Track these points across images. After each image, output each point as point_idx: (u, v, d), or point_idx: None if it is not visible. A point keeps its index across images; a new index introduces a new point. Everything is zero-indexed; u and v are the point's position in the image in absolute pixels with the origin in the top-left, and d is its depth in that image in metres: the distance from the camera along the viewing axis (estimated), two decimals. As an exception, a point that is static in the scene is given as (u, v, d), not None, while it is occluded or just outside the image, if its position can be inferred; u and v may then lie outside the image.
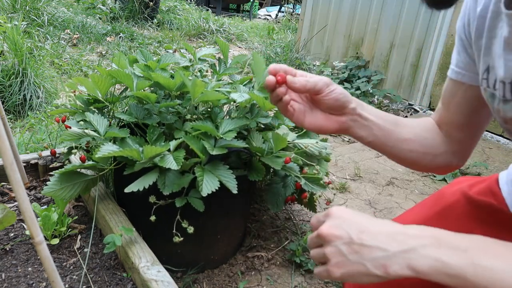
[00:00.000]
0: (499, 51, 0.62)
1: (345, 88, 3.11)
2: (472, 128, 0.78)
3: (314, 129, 0.71)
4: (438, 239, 0.49)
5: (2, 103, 2.09)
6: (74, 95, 1.23)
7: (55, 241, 1.09)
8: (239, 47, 4.80)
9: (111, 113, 1.22)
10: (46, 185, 1.00)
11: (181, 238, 0.98)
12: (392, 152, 0.78)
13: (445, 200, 0.83)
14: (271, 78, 0.69)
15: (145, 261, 0.94)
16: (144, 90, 1.11)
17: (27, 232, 1.11)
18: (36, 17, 3.48)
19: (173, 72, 1.23)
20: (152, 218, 0.98)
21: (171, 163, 0.92)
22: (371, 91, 3.14)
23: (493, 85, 0.64)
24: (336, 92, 0.69)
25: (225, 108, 1.23)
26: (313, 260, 0.56)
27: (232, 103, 1.21)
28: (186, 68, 1.29)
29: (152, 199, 0.98)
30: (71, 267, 1.02)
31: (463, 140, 0.80)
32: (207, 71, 1.37)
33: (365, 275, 0.51)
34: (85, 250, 1.08)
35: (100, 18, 4.53)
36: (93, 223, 1.10)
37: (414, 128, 0.80)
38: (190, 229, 0.97)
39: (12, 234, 1.11)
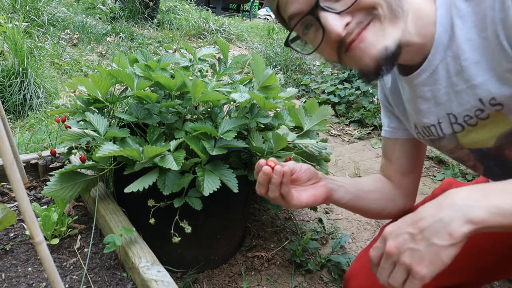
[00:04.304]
0: (411, 110, 0.78)
1: (345, 88, 3.11)
2: (415, 170, 0.92)
3: (310, 201, 0.77)
4: (483, 190, 0.54)
5: (2, 103, 2.09)
6: (74, 95, 1.23)
7: (55, 241, 1.09)
8: (239, 47, 4.80)
9: (111, 113, 1.22)
10: (46, 185, 1.00)
11: (179, 238, 0.98)
12: (366, 204, 0.88)
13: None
14: (265, 166, 0.73)
15: (145, 261, 0.94)
16: (144, 90, 1.11)
17: (27, 232, 1.11)
18: (36, 17, 3.48)
19: (173, 72, 1.23)
20: (152, 221, 0.98)
21: (171, 163, 0.92)
22: (371, 91, 3.13)
23: (426, 134, 0.77)
24: (304, 165, 0.79)
25: (225, 108, 1.23)
26: (398, 286, 0.57)
27: (232, 103, 1.21)
28: (186, 68, 1.29)
29: (150, 202, 0.98)
30: (71, 267, 1.02)
31: (411, 182, 0.93)
32: (207, 71, 1.37)
33: (442, 253, 0.53)
34: (85, 250, 1.08)
35: (100, 18, 4.53)
36: (93, 223, 1.10)
37: (370, 181, 0.92)
38: (188, 229, 0.97)
39: (12, 234, 1.11)
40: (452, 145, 0.75)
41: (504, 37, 0.58)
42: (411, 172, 0.91)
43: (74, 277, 0.98)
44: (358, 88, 3.17)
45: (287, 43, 0.72)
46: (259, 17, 8.11)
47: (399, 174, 0.91)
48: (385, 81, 0.86)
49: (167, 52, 2.34)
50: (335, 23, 0.61)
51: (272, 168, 0.71)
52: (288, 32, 0.70)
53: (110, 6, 4.66)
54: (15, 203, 1.24)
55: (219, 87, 1.16)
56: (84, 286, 0.96)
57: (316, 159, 1.24)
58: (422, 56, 0.68)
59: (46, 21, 3.52)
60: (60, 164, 1.38)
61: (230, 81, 1.34)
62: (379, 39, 0.62)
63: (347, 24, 0.62)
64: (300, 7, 0.64)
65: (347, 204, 0.84)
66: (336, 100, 2.97)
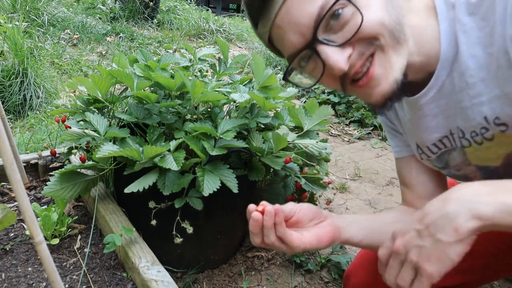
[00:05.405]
0: (414, 130, 0.74)
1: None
2: (440, 188, 0.81)
3: (314, 242, 0.68)
4: (492, 186, 0.51)
5: (2, 103, 2.09)
6: (74, 95, 1.23)
7: (55, 241, 1.09)
8: (239, 47, 4.80)
9: (111, 113, 1.22)
10: (46, 185, 1.00)
11: (181, 239, 0.98)
12: (382, 239, 0.73)
13: None
14: (254, 212, 0.65)
15: (145, 261, 0.94)
16: (144, 90, 1.11)
17: (27, 232, 1.11)
18: (36, 17, 3.48)
19: (173, 72, 1.23)
20: (153, 222, 0.98)
21: (171, 163, 0.92)
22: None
23: (434, 150, 0.73)
24: (304, 204, 0.70)
25: (225, 108, 1.23)
26: (405, 286, 0.54)
27: (232, 103, 1.21)
28: (186, 68, 1.29)
29: (151, 204, 0.98)
30: (71, 267, 1.02)
31: None
32: (207, 71, 1.37)
33: (449, 249, 0.50)
34: (85, 250, 1.08)
35: (100, 18, 4.53)
36: (93, 223, 1.10)
37: (392, 213, 0.83)
38: (190, 229, 0.97)
39: (12, 234, 1.11)
40: (460, 160, 0.71)
41: None
42: (436, 190, 0.81)
43: (74, 277, 0.98)
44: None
45: (285, 78, 0.67)
46: (259, 17, 8.09)
47: (422, 199, 0.81)
48: None
49: (167, 52, 2.34)
50: (337, 58, 0.58)
51: (262, 212, 0.64)
52: (286, 66, 0.66)
53: (110, 6, 4.66)
54: (15, 203, 1.24)
55: (219, 87, 1.16)
56: (84, 286, 0.96)
57: (316, 159, 1.24)
58: (425, 73, 0.65)
59: (46, 21, 3.52)
60: (60, 164, 1.38)
61: (230, 81, 1.34)
62: (388, 73, 0.59)
63: (349, 56, 0.58)
64: (297, 43, 0.60)
65: (361, 242, 0.74)
66: (336, 100, 2.97)
